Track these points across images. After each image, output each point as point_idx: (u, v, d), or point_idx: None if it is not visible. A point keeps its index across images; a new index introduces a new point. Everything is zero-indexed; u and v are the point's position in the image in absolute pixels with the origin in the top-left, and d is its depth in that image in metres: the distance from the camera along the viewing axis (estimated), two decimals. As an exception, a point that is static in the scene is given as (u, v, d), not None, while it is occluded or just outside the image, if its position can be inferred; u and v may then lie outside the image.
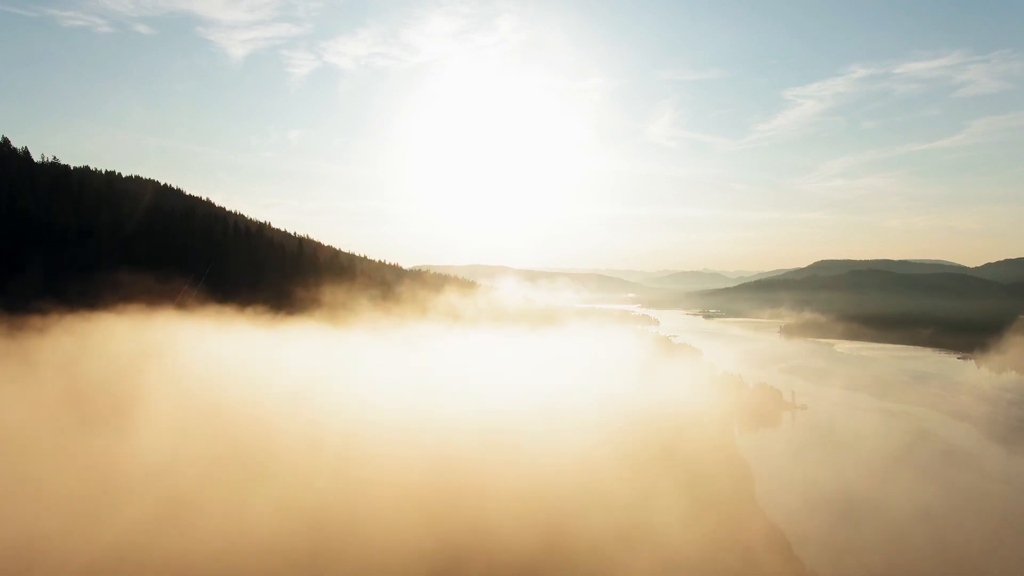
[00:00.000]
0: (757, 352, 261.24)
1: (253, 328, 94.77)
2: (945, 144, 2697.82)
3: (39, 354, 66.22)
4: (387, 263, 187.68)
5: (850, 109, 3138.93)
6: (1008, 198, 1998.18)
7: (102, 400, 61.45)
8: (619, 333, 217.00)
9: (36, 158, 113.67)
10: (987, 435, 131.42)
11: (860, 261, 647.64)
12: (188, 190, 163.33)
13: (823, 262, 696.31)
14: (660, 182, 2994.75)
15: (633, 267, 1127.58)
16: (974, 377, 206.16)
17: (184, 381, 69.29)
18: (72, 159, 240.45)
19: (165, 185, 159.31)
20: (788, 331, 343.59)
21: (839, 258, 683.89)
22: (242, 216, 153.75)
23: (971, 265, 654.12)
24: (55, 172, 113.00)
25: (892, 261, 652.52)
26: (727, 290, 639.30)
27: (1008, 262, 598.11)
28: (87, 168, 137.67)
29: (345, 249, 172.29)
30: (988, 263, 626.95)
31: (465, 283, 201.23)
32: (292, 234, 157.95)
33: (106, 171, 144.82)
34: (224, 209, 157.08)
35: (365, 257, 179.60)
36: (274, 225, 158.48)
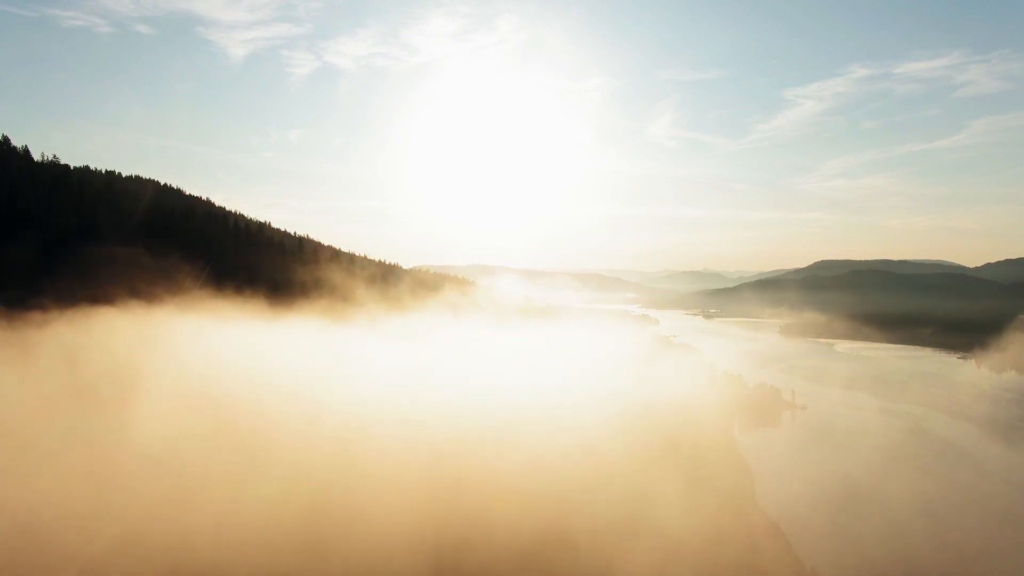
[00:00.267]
0: (757, 352, 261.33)
1: (253, 323, 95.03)
2: (945, 144, 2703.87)
3: (39, 349, 66.41)
4: (387, 263, 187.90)
5: (850, 109, 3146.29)
6: (1008, 198, 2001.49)
7: (102, 394, 61.67)
8: (619, 333, 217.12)
9: (36, 157, 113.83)
10: (987, 434, 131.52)
11: (860, 261, 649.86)
12: (188, 190, 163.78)
13: (823, 262, 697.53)
14: (660, 182, 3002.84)
15: (633, 267, 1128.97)
16: (974, 376, 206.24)
17: (184, 375, 69.52)
18: (72, 159, 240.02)
19: (165, 185, 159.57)
20: (788, 331, 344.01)
21: (839, 258, 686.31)
22: (242, 216, 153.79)
23: (971, 265, 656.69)
24: (55, 171, 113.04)
25: (892, 261, 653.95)
26: (727, 290, 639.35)
27: (1008, 262, 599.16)
28: (87, 168, 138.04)
29: (345, 249, 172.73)
30: (988, 263, 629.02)
31: (465, 282, 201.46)
32: (292, 234, 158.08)
33: (106, 171, 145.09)
34: (224, 209, 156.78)
35: (365, 257, 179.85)
36: (274, 225, 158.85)
